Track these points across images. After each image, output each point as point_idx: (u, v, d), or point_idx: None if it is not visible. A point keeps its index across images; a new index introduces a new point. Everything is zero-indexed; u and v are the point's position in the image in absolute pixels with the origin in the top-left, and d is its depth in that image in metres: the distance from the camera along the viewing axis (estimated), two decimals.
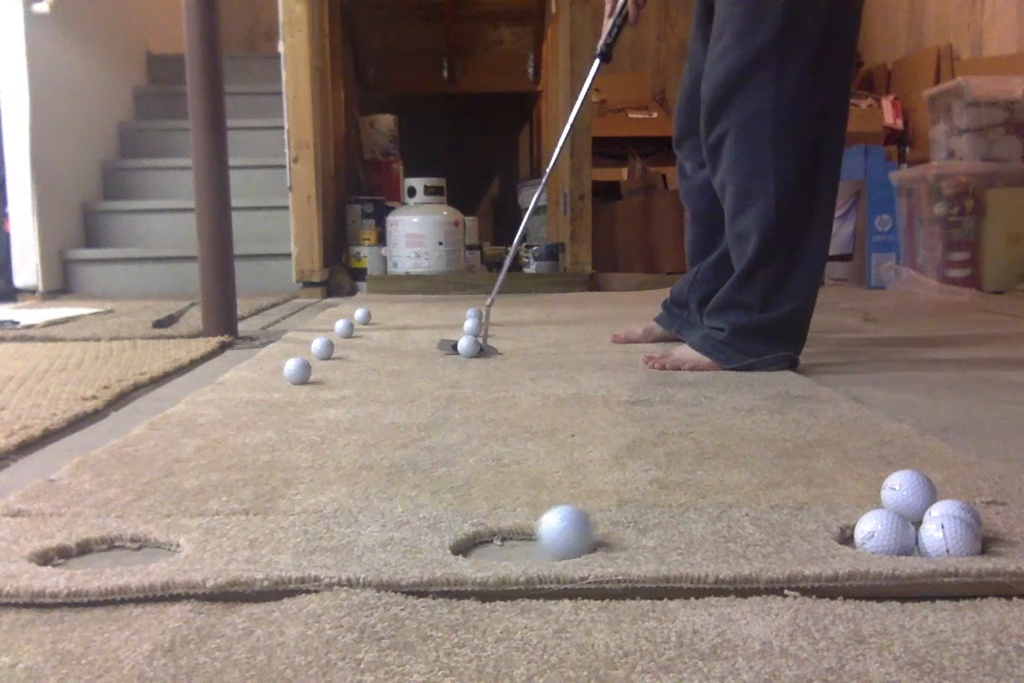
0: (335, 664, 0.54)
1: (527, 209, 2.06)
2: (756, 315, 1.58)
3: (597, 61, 1.86)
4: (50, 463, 1.02)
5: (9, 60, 3.14)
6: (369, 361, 1.71)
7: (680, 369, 1.58)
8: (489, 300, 1.97)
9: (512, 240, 2.14)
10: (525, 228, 2.07)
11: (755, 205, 1.55)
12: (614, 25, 1.81)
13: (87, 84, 3.67)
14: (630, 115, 4.65)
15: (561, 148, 2.02)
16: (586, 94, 1.93)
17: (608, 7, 1.82)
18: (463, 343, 1.76)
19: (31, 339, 2.06)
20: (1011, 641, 0.56)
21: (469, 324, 2.06)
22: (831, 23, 1.53)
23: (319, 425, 1.17)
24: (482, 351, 1.77)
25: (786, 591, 0.63)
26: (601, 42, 1.84)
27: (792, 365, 1.59)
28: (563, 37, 3.51)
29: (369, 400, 1.33)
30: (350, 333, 2.05)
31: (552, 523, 0.70)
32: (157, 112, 4.08)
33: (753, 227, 1.56)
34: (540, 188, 2.02)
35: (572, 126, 1.96)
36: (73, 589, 0.63)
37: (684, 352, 1.61)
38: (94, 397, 1.35)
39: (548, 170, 2.05)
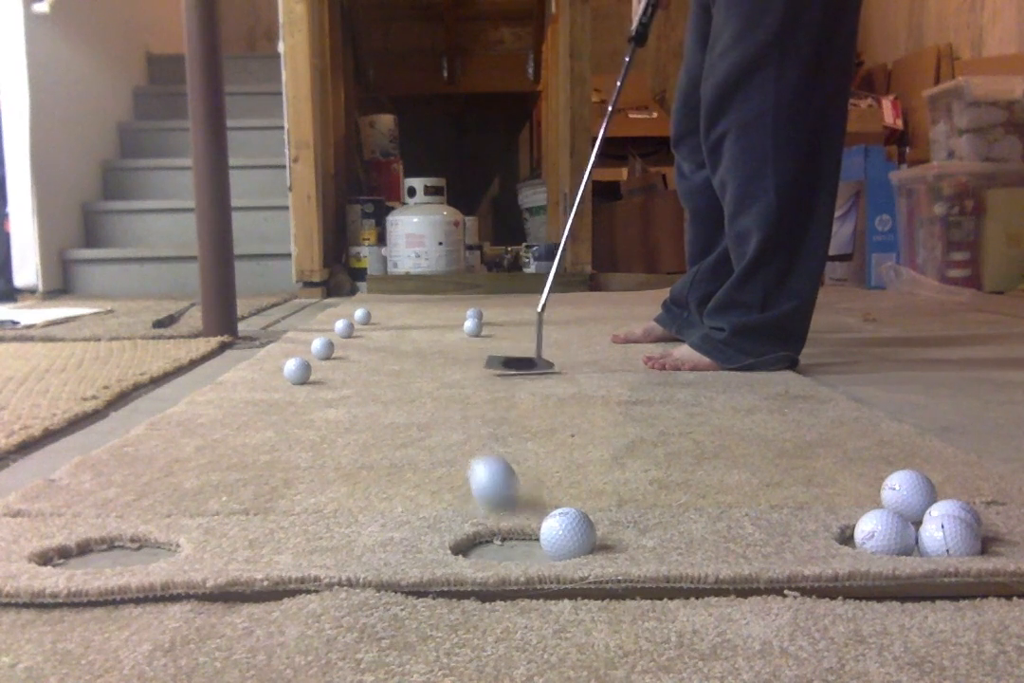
0: (335, 664, 0.54)
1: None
2: (756, 315, 1.58)
3: (632, 45, 1.77)
4: (50, 463, 1.02)
5: (9, 60, 3.14)
6: (369, 361, 1.71)
7: (680, 369, 1.58)
8: (540, 306, 1.68)
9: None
10: (571, 224, 1.90)
11: (755, 205, 1.55)
12: (648, 4, 1.75)
13: (87, 84, 3.67)
14: (630, 115, 4.65)
15: (609, 118, 1.83)
16: (623, 82, 1.81)
17: None
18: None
19: (31, 339, 2.06)
20: (1011, 641, 0.56)
21: (469, 324, 2.06)
22: (830, 22, 1.53)
23: (319, 425, 1.17)
24: (536, 365, 1.59)
25: (786, 591, 0.63)
26: (634, 24, 1.77)
27: (792, 365, 1.59)
28: (563, 37, 3.51)
29: (369, 400, 1.33)
30: (350, 333, 2.05)
31: (553, 526, 0.70)
32: (157, 112, 4.08)
33: (753, 227, 1.56)
34: (584, 182, 1.83)
35: (608, 118, 1.81)
36: (73, 589, 0.63)
37: (684, 352, 1.61)
38: (94, 397, 1.35)
39: (590, 166, 1.85)
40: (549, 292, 1.71)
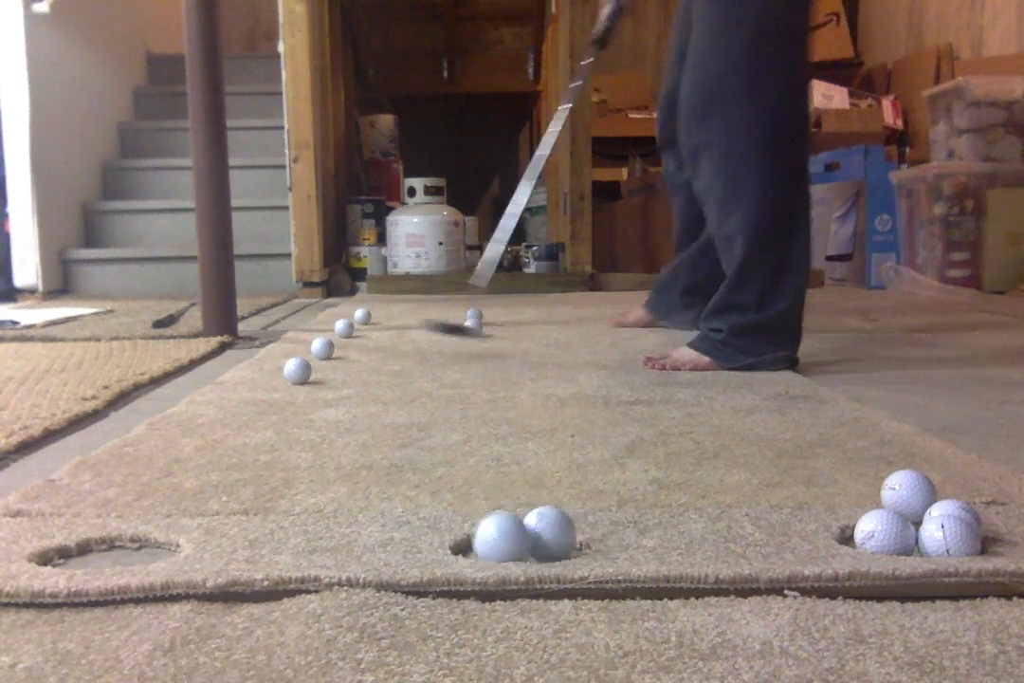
0: (335, 664, 0.54)
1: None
2: (753, 315, 1.59)
3: (594, 48, 1.89)
4: (50, 463, 1.02)
5: (9, 60, 3.14)
6: (369, 361, 1.71)
7: (680, 369, 1.58)
8: (478, 278, 2.02)
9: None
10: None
11: (739, 208, 1.58)
12: (612, 11, 1.87)
13: (87, 84, 3.67)
14: (630, 115, 4.65)
15: (560, 124, 1.99)
16: (585, 81, 1.96)
17: None
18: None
19: (31, 339, 2.06)
20: (1011, 641, 0.56)
21: (469, 324, 2.07)
22: (799, 27, 1.60)
23: (319, 425, 1.17)
24: (467, 331, 1.91)
25: (786, 591, 0.63)
26: (598, 28, 1.89)
27: (792, 364, 1.59)
28: (563, 37, 3.51)
29: (369, 400, 1.33)
30: (350, 333, 2.05)
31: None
32: (157, 112, 4.08)
33: (738, 230, 1.58)
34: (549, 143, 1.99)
35: (572, 111, 1.96)
36: (73, 589, 0.63)
37: (683, 353, 1.62)
38: (94, 397, 1.35)
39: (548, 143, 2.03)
40: (495, 264, 1.99)
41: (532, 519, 0.70)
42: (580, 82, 1.96)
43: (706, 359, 1.59)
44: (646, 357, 1.64)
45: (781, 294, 1.58)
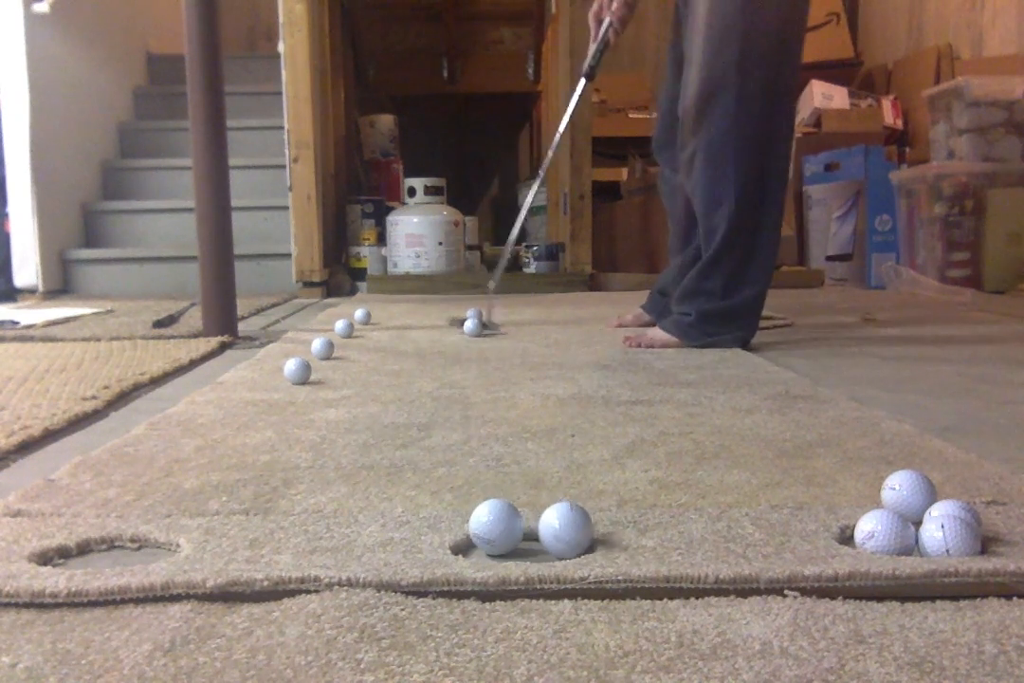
0: (335, 664, 0.54)
1: (528, 209, 2.20)
2: (718, 301, 1.81)
3: (583, 80, 2.12)
4: (50, 463, 1.02)
5: (9, 60, 3.14)
6: (369, 361, 1.71)
7: (653, 347, 1.83)
8: (491, 284, 2.29)
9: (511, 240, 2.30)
10: (523, 224, 2.30)
11: (722, 206, 1.79)
12: (597, 49, 2.07)
13: (87, 84, 3.67)
14: (630, 115, 4.65)
15: (555, 150, 2.25)
16: (573, 111, 2.18)
17: (593, 32, 2.08)
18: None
19: (31, 339, 2.06)
20: (1011, 641, 0.56)
21: (469, 324, 2.07)
22: (781, 52, 1.78)
23: (319, 425, 1.17)
24: (487, 328, 2.08)
25: (786, 591, 0.63)
26: (586, 63, 2.11)
27: (744, 344, 1.82)
28: (563, 37, 3.51)
29: (369, 400, 1.33)
30: (350, 333, 2.05)
31: (550, 521, 0.71)
32: (157, 112, 4.08)
33: (721, 223, 1.79)
34: (536, 185, 2.23)
35: (562, 134, 2.22)
36: (73, 589, 0.63)
37: (656, 333, 1.88)
38: (94, 397, 1.35)
39: (543, 168, 2.26)
40: (500, 271, 2.30)
41: (551, 515, 0.71)
42: (567, 117, 2.21)
43: (674, 339, 1.84)
44: (625, 336, 1.88)
45: (746, 283, 1.80)
